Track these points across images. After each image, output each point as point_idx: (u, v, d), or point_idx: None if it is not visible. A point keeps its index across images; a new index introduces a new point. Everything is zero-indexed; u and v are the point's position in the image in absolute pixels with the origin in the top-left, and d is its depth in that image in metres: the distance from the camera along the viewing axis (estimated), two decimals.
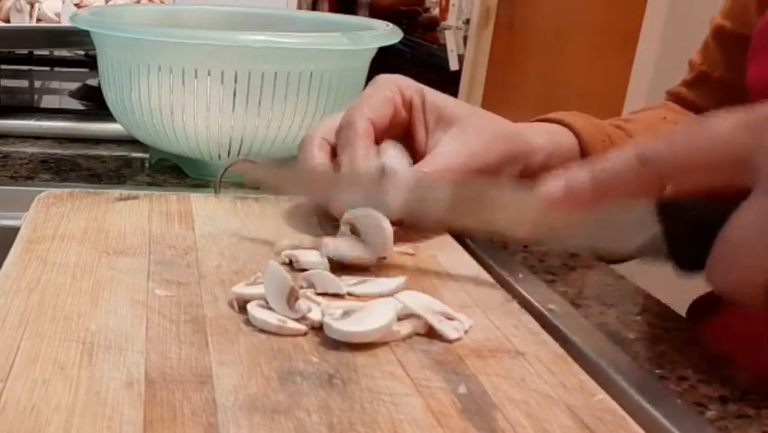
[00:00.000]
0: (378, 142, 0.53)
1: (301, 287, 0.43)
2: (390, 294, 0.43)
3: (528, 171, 0.55)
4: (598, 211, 0.42)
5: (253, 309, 0.40)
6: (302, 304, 0.40)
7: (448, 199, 0.47)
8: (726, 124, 0.37)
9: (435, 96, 0.56)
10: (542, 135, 0.57)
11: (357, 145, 0.51)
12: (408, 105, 0.55)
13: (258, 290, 0.42)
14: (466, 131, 0.53)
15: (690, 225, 0.41)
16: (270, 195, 0.59)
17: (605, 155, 0.41)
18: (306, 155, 0.54)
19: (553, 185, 0.41)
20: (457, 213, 0.46)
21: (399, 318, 0.40)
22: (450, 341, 0.40)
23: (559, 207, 0.42)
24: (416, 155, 0.54)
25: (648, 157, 0.38)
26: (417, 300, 0.41)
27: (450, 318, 0.41)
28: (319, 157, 0.53)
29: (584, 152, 0.58)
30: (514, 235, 0.46)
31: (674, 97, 0.74)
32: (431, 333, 0.41)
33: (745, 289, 0.37)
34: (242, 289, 0.42)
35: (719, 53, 0.70)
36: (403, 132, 0.55)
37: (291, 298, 0.40)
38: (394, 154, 0.53)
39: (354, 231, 0.48)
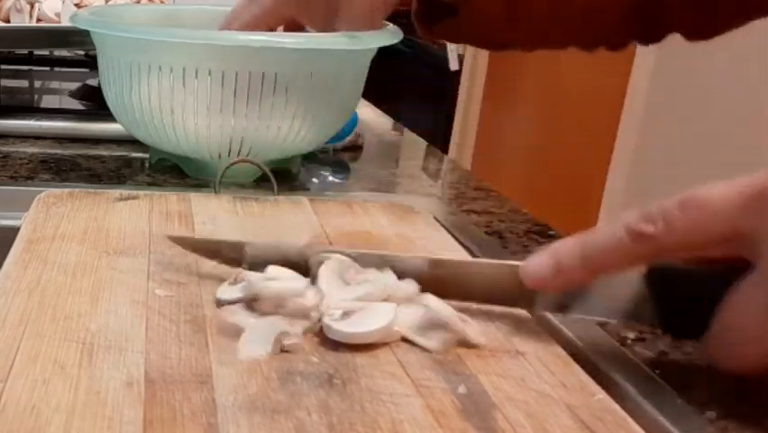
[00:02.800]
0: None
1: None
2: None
3: None
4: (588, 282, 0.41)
5: (228, 312, 0.40)
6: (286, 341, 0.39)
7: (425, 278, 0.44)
8: (724, 198, 0.36)
9: None
10: None
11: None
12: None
13: (238, 294, 0.41)
14: None
15: (680, 292, 0.41)
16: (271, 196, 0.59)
17: (592, 229, 0.39)
18: None
19: (542, 263, 0.40)
20: (435, 288, 0.44)
21: (428, 329, 0.40)
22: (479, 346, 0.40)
23: (548, 286, 0.41)
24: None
25: (644, 235, 0.37)
26: (441, 306, 0.40)
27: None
28: None
29: None
30: (494, 305, 0.45)
31: None
32: (460, 342, 0.40)
33: (746, 366, 0.37)
34: (224, 294, 0.42)
35: None
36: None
37: (277, 344, 0.38)
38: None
39: None
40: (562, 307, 0.42)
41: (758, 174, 0.36)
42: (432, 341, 0.39)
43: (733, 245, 0.37)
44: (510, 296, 0.43)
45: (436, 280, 0.43)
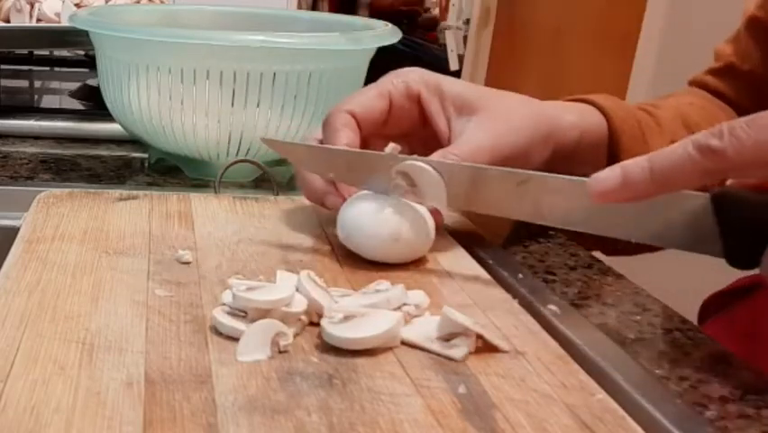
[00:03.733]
0: (379, 134, 0.52)
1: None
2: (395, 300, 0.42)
3: (560, 152, 0.53)
4: (652, 203, 0.40)
5: (219, 315, 0.40)
6: (282, 341, 0.39)
7: (496, 186, 0.46)
8: None
9: (453, 85, 0.54)
10: (572, 113, 0.55)
11: (333, 138, 0.51)
12: (416, 98, 0.53)
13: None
14: (491, 116, 0.52)
15: (745, 221, 0.40)
16: (271, 194, 0.59)
17: (660, 149, 0.39)
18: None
19: (609, 175, 0.40)
20: (507, 201, 0.44)
21: (448, 339, 0.39)
22: (505, 351, 0.40)
23: (613, 199, 0.40)
24: (438, 147, 0.53)
25: (712, 149, 0.37)
26: (458, 314, 0.40)
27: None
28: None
29: (612, 135, 0.56)
30: (563, 225, 0.45)
31: (699, 85, 0.72)
32: (484, 347, 0.40)
33: None
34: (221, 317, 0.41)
35: (753, 45, 0.68)
36: (415, 124, 0.54)
37: (274, 346, 0.38)
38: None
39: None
40: (618, 229, 0.42)
41: None
42: (454, 350, 0.39)
43: None
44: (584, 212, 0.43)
45: (517, 193, 0.45)
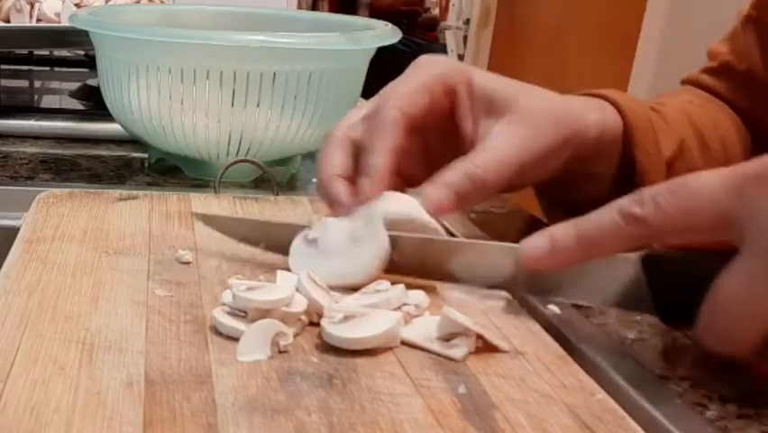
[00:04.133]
0: (415, 130, 0.49)
1: None
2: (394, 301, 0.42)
3: (580, 151, 0.53)
4: (582, 266, 0.42)
5: (219, 315, 0.40)
6: (282, 341, 0.39)
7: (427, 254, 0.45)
8: (711, 183, 0.38)
9: (485, 80, 0.52)
10: (595, 111, 0.54)
11: (382, 137, 0.48)
12: (451, 92, 0.51)
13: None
14: (518, 119, 0.50)
15: (674, 281, 0.41)
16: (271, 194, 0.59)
17: (587, 214, 0.40)
18: (322, 154, 0.50)
19: (537, 243, 0.41)
20: (436, 265, 0.45)
21: (448, 339, 0.39)
22: (506, 351, 0.40)
23: (545, 264, 0.42)
24: (460, 144, 0.51)
25: (635, 217, 0.38)
26: (458, 314, 0.40)
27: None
28: (334, 157, 0.49)
29: (628, 131, 0.55)
30: (493, 286, 0.46)
31: (694, 84, 0.72)
32: (484, 347, 0.40)
33: (736, 347, 0.38)
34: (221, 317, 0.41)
35: (750, 44, 0.68)
36: (443, 120, 0.52)
37: (274, 346, 0.38)
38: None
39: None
40: (554, 291, 0.43)
41: (746, 163, 0.37)
42: (454, 350, 0.39)
43: (721, 231, 0.37)
44: (506, 278, 0.44)
45: (433, 258, 0.44)
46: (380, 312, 0.40)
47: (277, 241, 0.48)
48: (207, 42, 0.63)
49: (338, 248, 0.44)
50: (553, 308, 0.46)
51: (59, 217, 0.52)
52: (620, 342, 0.43)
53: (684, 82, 0.73)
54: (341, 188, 0.48)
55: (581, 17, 2.11)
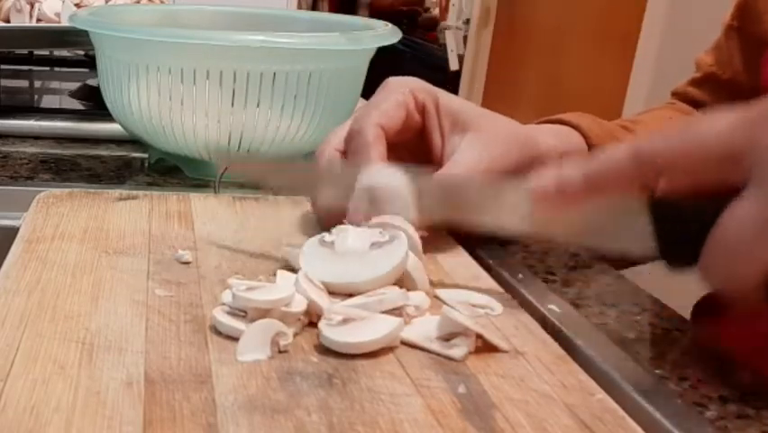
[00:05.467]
0: (390, 146, 0.51)
1: None
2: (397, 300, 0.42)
3: None
4: (590, 208, 0.41)
5: (219, 315, 0.40)
6: (282, 341, 0.39)
7: (441, 199, 0.47)
8: (722, 121, 0.38)
9: (450, 100, 0.54)
10: (551, 137, 0.56)
11: (368, 153, 0.50)
12: (422, 109, 0.53)
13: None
14: (483, 136, 0.52)
15: (681, 224, 0.41)
16: (270, 194, 0.59)
17: (598, 152, 0.41)
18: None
19: (545, 180, 0.41)
20: (450, 211, 0.46)
21: (448, 338, 0.39)
22: (505, 351, 0.40)
23: (550, 202, 0.41)
24: (431, 160, 0.53)
25: (643, 152, 0.38)
26: (458, 314, 0.40)
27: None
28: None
29: (592, 153, 0.57)
30: (506, 231, 0.46)
31: (681, 97, 0.73)
32: (484, 347, 0.40)
33: (737, 284, 0.37)
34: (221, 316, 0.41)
35: (733, 54, 0.69)
36: (416, 136, 0.54)
37: (274, 345, 0.38)
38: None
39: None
40: (563, 235, 0.44)
41: (751, 105, 0.37)
42: (454, 350, 0.39)
43: (727, 168, 0.37)
44: (524, 218, 0.44)
45: (454, 199, 0.46)
46: (380, 316, 0.40)
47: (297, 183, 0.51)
48: (207, 42, 0.63)
49: (356, 253, 0.44)
50: (553, 308, 0.46)
51: (58, 217, 0.52)
52: (620, 342, 0.43)
53: (673, 94, 0.74)
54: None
55: (581, 17, 2.11)
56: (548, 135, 0.56)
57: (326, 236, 0.45)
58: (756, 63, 0.63)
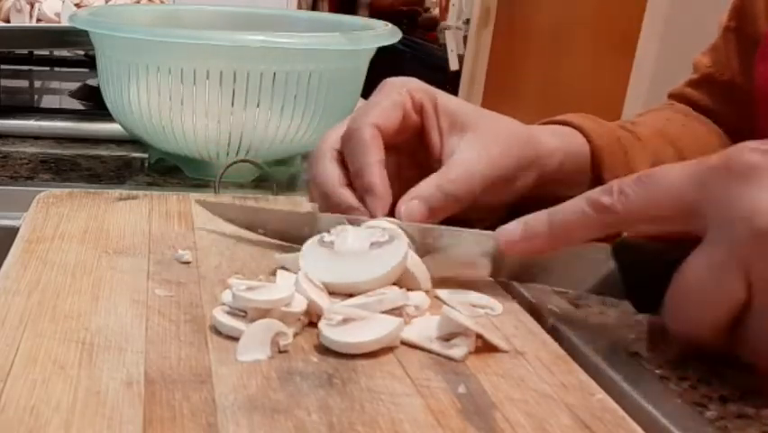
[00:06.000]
0: (388, 147, 0.51)
1: None
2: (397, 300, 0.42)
3: (543, 177, 0.54)
4: (556, 253, 0.43)
5: (219, 315, 0.40)
6: (282, 341, 0.39)
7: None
8: (677, 175, 0.39)
9: (449, 100, 0.54)
10: (554, 138, 0.56)
11: (364, 153, 0.50)
12: (419, 109, 0.53)
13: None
14: (483, 136, 0.52)
15: (644, 268, 0.43)
16: (270, 194, 0.59)
17: (561, 204, 0.42)
18: (319, 170, 0.52)
19: (512, 229, 0.43)
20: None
21: (448, 338, 0.39)
22: (505, 351, 0.40)
23: (516, 251, 0.44)
24: (429, 160, 0.53)
25: (603, 206, 0.40)
26: (458, 314, 0.40)
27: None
28: (332, 170, 0.51)
29: (594, 155, 0.57)
30: (476, 276, 0.47)
31: (679, 98, 0.73)
32: (484, 347, 0.40)
33: (695, 332, 0.39)
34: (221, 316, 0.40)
35: (730, 55, 0.69)
36: (414, 136, 0.54)
37: (274, 345, 0.38)
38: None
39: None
40: (532, 277, 0.46)
41: (711, 155, 0.39)
42: (454, 350, 0.39)
43: (685, 221, 0.39)
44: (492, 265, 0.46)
45: (423, 247, 0.46)
46: (380, 316, 0.40)
47: (276, 227, 0.50)
48: (207, 42, 0.63)
49: (356, 253, 0.44)
50: (553, 308, 0.46)
51: (58, 217, 0.52)
52: (620, 342, 0.43)
53: (671, 96, 0.74)
54: (350, 196, 0.50)
55: (581, 17, 2.11)
56: (551, 136, 0.56)
57: (326, 236, 0.45)
58: (752, 64, 0.63)
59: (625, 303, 0.48)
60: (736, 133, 0.66)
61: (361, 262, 0.43)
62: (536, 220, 0.43)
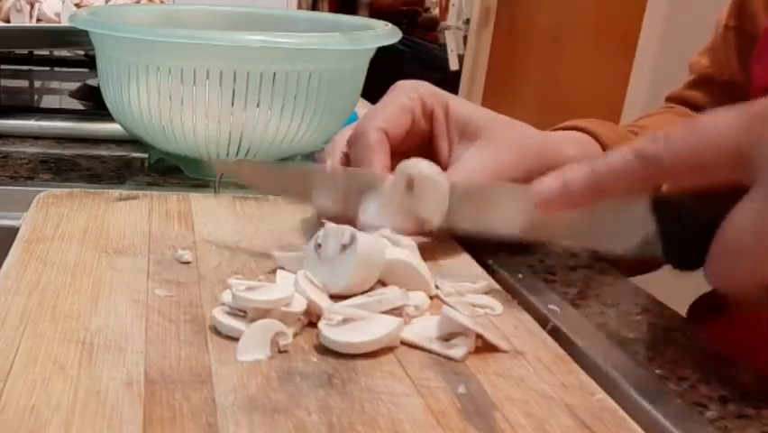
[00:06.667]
0: (394, 152, 0.51)
1: None
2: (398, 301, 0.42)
3: None
4: (594, 210, 0.41)
5: (219, 315, 0.40)
6: (281, 341, 0.39)
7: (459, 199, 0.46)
8: (724, 122, 0.37)
9: (461, 106, 0.53)
10: (571, 146, 0.55)
11: (370, 157, 0.49)
12: (429, 115, 0.52)
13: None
14: (493, 144, 0.51)
15: (684, 223, 0.41)
16: (269, 195, 0.59)
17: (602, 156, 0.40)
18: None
19: (550, 183, 0.41)
20: (453, 214, 0.45)
21: (448, 338, 0.40)
22: (505, 351, 0.40)
23: (555, 206, 0.41)
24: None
25: (646, 155, 0.38)
26: (458, 314, 0.40)
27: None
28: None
29: None
30: (509, 235, 0.46)
31: (678, 101, 0.73)
32: (484, 347, 0.40)
33: (742, 286, 0.37)
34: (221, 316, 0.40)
35: (729, 54, 0.69)
36: (423, 142, 0.53)
37: (274, 346, 0.38)
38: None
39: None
40: (566, 236, 0.44)
41: (756, 102, 0.37)
42: (453, 350, 0.39)
43: (732, 168, 0.37)
44: (528, 222, 0.44)
45: (458, 202, 0.46)
46: (380, 316, 0.40)
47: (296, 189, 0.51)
48: (207, 42, 0.63)
49: (330, 256, 0.44)
50: (553, 308, 0.46)
51: (58, 217, 0.52)
52: (620, 342, 0.43)
53: (669, 99, 0.74)
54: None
55: (581, 17, 2.11)
56: (568, 144, 0.55)
57: (319, 238, 0.45)
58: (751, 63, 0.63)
59: (625, 303, 0.48)
60: None
61: (333, 267, 0.43)
62: (575, 175, 0.40)
